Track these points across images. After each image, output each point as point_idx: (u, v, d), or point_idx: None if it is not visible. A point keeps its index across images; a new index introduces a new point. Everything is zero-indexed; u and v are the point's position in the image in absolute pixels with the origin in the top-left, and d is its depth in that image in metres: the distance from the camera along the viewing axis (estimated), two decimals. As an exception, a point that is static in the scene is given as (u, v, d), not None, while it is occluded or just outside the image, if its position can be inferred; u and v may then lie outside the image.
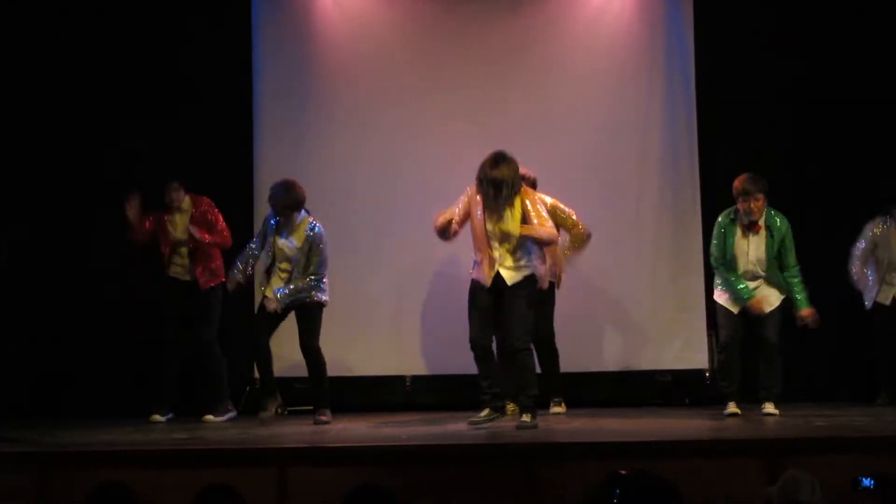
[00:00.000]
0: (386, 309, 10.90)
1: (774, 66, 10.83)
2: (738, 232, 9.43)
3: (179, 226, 10.00)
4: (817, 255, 10.15)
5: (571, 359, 10.55)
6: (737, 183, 9.37)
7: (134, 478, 6.06)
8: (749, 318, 9.38)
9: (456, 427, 8.77)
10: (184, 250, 10.03)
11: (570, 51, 11.07)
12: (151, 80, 10.82)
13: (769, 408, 9.26)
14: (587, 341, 10.86)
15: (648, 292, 10.91)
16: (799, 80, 10.78)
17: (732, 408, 9.35)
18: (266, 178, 10.49)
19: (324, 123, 10.98)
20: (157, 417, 9.83)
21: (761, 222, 9.39)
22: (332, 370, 10.51)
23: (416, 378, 10.82)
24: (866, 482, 5.04)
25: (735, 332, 9.45)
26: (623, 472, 4.58)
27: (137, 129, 10.67)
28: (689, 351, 10.69)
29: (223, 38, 10.95)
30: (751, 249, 9.42)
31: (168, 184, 9.98)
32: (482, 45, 11.03)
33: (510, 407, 9.10)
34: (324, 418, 9.36)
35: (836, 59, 10.75)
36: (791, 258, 9.42)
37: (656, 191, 10.87)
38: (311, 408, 9.80)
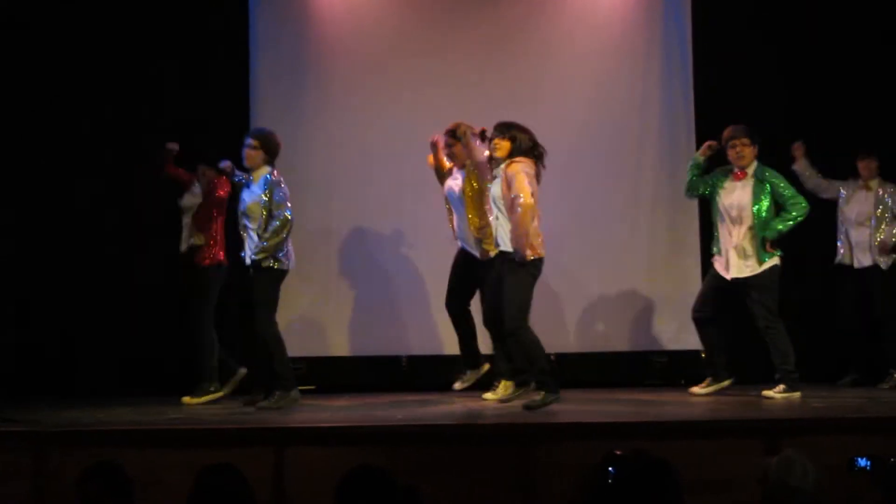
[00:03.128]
0: (383, 289, 10.90)
1: (772, 45, 10.85)
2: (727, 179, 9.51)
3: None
4: (807, 234, 10.21)
5: (568, 340, 10.62)
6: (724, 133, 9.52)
7: (130, 457, 6.07)
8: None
9: (452, 407, 8.78)
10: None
11: (567, 30, 11.06)
12: (147, 62, 10.78)
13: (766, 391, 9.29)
14: (583, 322, 10.89)
15: (644, 273, 10.93)
16: (796, 60, 10.79)
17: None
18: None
19: (321, 106, 10.96)
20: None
21: (749, 171, 9.42)
22: (329, 350, 10.58)
23: (412, 358, 10.83)
24: (862, 463, 5.04)
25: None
26: (618, 452, 4.58)
27: (132, 112, 10.68)
28: (685, 332, 10.65)
29: (221, 20, 10.91)
30: (734, 194, 9.43)
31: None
32: (478, 29, 11.02)
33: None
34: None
35: (834, 38, 10.76)
36: (787, 193, 9.38)
37: (653, 170, 10.89)
38: (312, 387, 9.94)
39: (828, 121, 10.61)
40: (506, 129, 8.60)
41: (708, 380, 9.49)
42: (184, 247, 9.92)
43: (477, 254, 9.14)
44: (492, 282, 8.76)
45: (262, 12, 11.05)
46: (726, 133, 9.47)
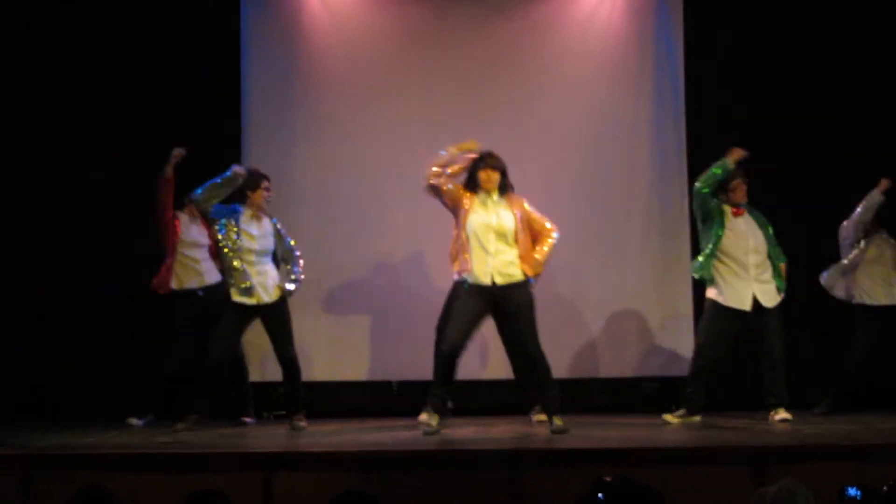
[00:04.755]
0: (373, 313, 10.87)
1: (764, 76, 10.86)
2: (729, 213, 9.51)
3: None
4: (805, 266, 10.22)
5: (559, 366, 10.55)
6: None
7: (117, 481, 6.06)
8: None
9: (442, 433, 8.75)
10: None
11: (558, 58, 11.07)
12: (139, 82, 10.79)
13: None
14: (574, 349, 10.87)
15: (636, 299, 10.91)
16: (789, 91, 10.80)
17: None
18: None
19: (311, 126, 10.98)
20: (134, 421, 9.88)
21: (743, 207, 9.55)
22: (319, 375, 10.53)
23: (402, 383, 10.81)
24: (852, 492, 5.02)
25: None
26: (608, 478, 4.57)
27: (128, 131, 10.67)
28: (677, 358, 10.67)
29: (211, 40, 10.92)
30: (742, 227, 9.47)
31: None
32: (470, 51, 11.03)
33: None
34: (302, 423, 9.36)
35: (825, 69, 10.80)
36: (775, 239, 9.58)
37: (644, 199, 10.88)
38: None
39: (823, 153, 10.62)
40: (498, 160, 8.82)
41: (683, 410, 9.47)
42: (209, 280, 10.00)
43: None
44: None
45: (253, 31, 11.06)
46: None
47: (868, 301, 10.26)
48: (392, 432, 8.75)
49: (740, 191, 9.45)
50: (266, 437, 8.73)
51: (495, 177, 8.72)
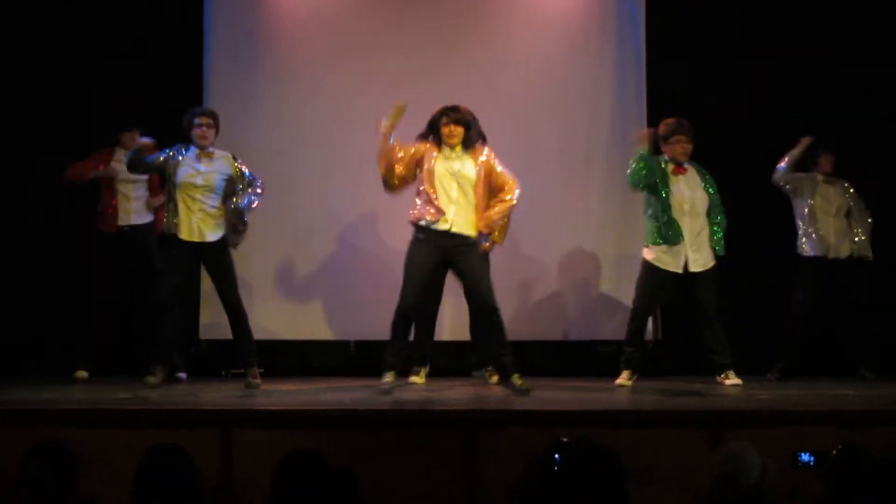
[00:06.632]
0: (332, 273, 10.89)
1: (726, 33, 10.89)
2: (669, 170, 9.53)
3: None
4: (760, 224, 10.28)
5: (514, 328, 10.59)
6: (663, 127, 9.57)
7: (76, 437, 6.04)
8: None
9: (399, 393, 8.78)
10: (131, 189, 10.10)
11: (519, 18, 11.09)
12: (100, 37, 10.73)
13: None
14: (529, 310, 10.92)
15: (593, 261, 10.95)
16: (751, 48, 10.83)
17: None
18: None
19: (272, 83, 10.96)
20: (83, 374, 9.91)
21: (686, 164, 9.55)
22: (278, 333, 10.53)
23: (360, 343, 10.82)
24: (805, 458, 5.06)
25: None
26: (564, 439, 4.60)
27: (85, 88, 10.62)
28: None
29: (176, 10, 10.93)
30: (680, 187, 9.49)
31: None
32: (433, 10, 11.07)
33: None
34: (256, 380, 9.27)
35: (792, 27, 10.83)
36: (717, 197, 9.57)
37: (604, 159, 10.91)
38: (260, 371, 9.86)
39: (785, 112, 10.66)
40: (462, 114, 8.83)
41: (628, 372, 9.53)
42: (136, 220, 9.98)
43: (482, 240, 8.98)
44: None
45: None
46: (669, 128, 9.48)
47: (815, 252, 10.26)
48: (350, 392, 8.77)
49: (680, 146, 9.46)
50: (224, 394, 8.73)
51: (458, 131, 8.79)
